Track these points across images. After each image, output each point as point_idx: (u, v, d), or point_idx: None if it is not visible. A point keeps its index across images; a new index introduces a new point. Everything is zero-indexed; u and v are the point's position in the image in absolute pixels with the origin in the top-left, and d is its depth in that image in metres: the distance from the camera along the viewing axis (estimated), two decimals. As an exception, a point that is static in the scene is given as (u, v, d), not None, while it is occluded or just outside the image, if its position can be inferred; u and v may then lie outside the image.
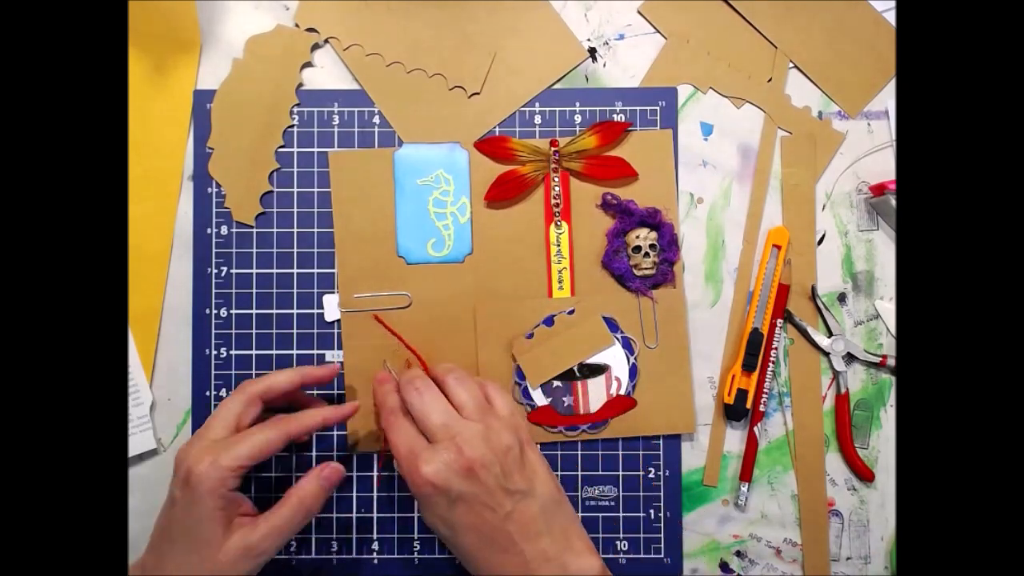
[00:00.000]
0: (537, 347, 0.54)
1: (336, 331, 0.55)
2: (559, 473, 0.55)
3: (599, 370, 0.55)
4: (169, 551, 0.44)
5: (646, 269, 0.54)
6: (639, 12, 0.57)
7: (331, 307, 0.55)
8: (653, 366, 0.55)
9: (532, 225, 0.55)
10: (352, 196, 0.55)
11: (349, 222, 0.55)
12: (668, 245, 0.54)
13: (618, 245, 0.55)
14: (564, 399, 0.54)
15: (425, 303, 0.55)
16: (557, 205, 0.55)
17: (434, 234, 0.55)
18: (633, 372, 0.55)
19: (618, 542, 0.55)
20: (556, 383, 0.54)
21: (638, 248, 0.54)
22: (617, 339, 0.55)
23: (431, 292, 0.55)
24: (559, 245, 0.55)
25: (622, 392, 0.55)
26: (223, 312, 0.55)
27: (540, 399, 0.54)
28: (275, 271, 0.55)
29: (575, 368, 0.55)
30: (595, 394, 0.55)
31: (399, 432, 0.47)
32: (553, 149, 0.55)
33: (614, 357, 0.55)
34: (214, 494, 0.43)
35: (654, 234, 0.54)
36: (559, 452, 0.55)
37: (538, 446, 0.51)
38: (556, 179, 0.55)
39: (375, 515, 0.55)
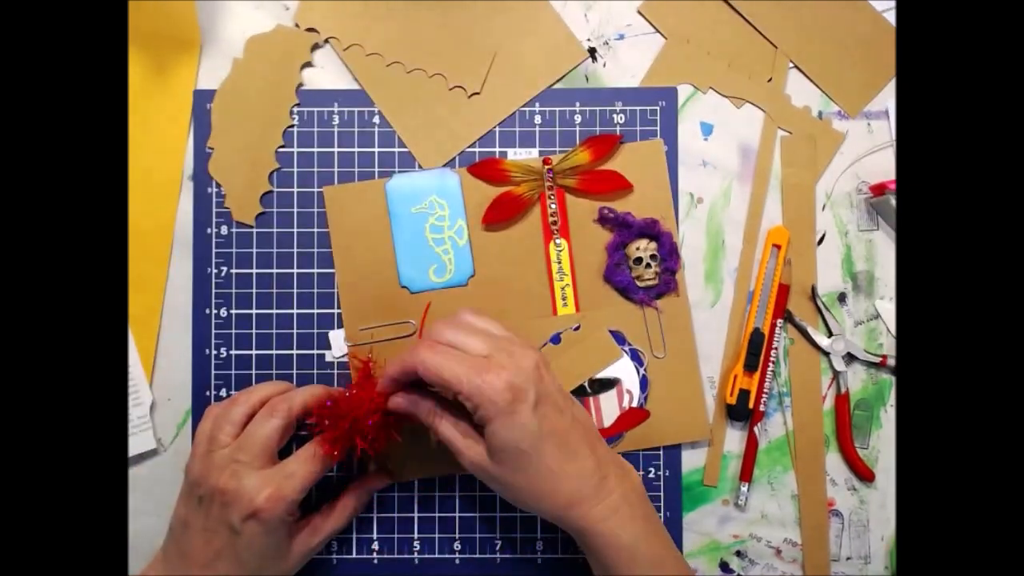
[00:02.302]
0: (546, 366, 0.54)
1: (336, 327, 0.55)
2: (559, 473, 0.55)
3: (610, 384, 0.55)
4: (230, 568, 0.46)
5: (648, 280, 0.54)
6: (639, 12, 0.57)
7: (337, 343, 0.55)
8: (663, 376, 0.55)
9: (531, 244, 0.55)
10: (349, 230, 0.55)
11: (349, 256, 0.55)
12: (668, 254, 0.54)
13: (619, 258, 0.55)
14: (578, 417, 0.55)
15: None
16: (555, 223, 0.55)
17: (434, 260, 0.55)
18: (644, 383, 0.55)
19: (618, 542, 0.55)
20: None
21: (639, 259, 0.54)
22: (625, 352, 0.55)
23: (436, 318, 0.54)
24: (560, 262, 0.55)
25: (634, 404, 0.54)
26: (223, 312, 0.55)
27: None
28: (275, 271, 0.55)
29: (586, 384, 0.55)
30: (608, 409, 0.54)
31: (448, 358, 0.44)
32: (546, 167, 0.55)
33: (624, 370, 0.55)
34: (285, 524, 0.46)
35: (654, 244, 0.54)
36: (559, 452, 0.55)
37: None
38: (552, 197, 0.55)
39: (375, 515, 0.55)
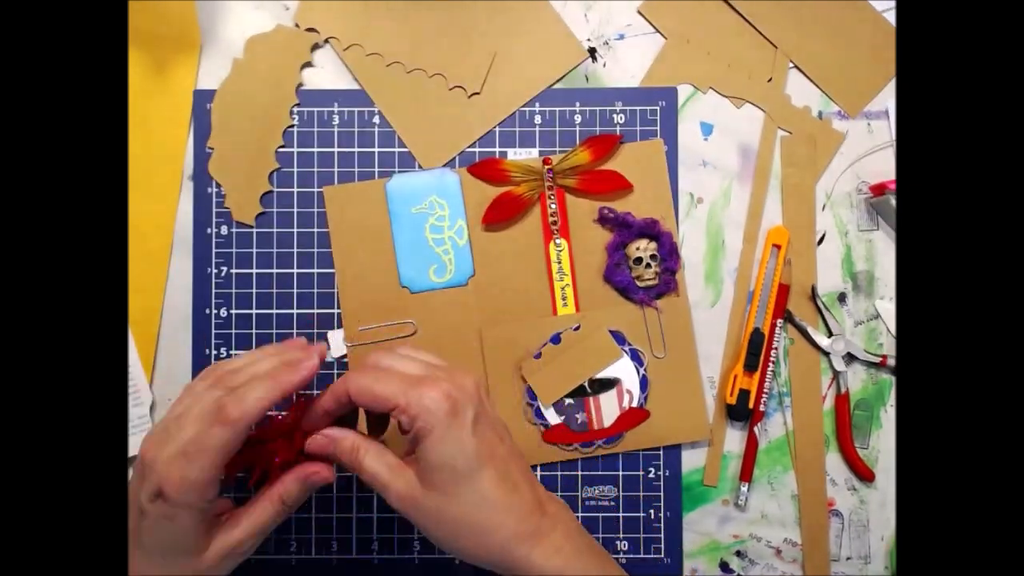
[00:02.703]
0: (546, 366, 0.54)
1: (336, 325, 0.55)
2: (559, 473, 0.55)
3: (610, 384, 0.55)
4: (143, 561, 0.40)
5: (648, 280, 0.54)
6: (639, 12, 0.57)
7: (336, 343, 0.55)
8: (663, 376, 0.55)
9: (531, 244, 0.55)
10: (349, 230, 0.55)
11: (349, 257, 0.55)
12: (668, 254, 0.54)
13: (619, 258, 0.55)
14: (577, 416, 0.54)
15: (431, 329, 0.54)
16: (555, 223, 0.55)
17: (434, 260, 0.55)
18: (644, 383, 0.55)
19: (618, 542, 0.55)
20: (568, 401, 0.54)
21: (639, 259, 0.54)
22: (625, 351, 0.55)
23: (436, 318, 0.54)
24: (560, 262, 0.55)
25: (634, 404, 0.54)
26: (223, 312, 0.55)
27: (553, 418, 0.54)
28: (275, 271, 0.55)
29: (586, 384, 0.55)
30: (608, 408, 0.54)
31: (381, 378, 0.41)
32: (546, 167, 0.55)
33: (624, 370, 0.55)
34: (193, 508, 0.39)
35: (654, 244, 0.54)
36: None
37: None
38: (552, 197, 0.55)
39: (375, 515, 0.55)
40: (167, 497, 0.38)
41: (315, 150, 0.55)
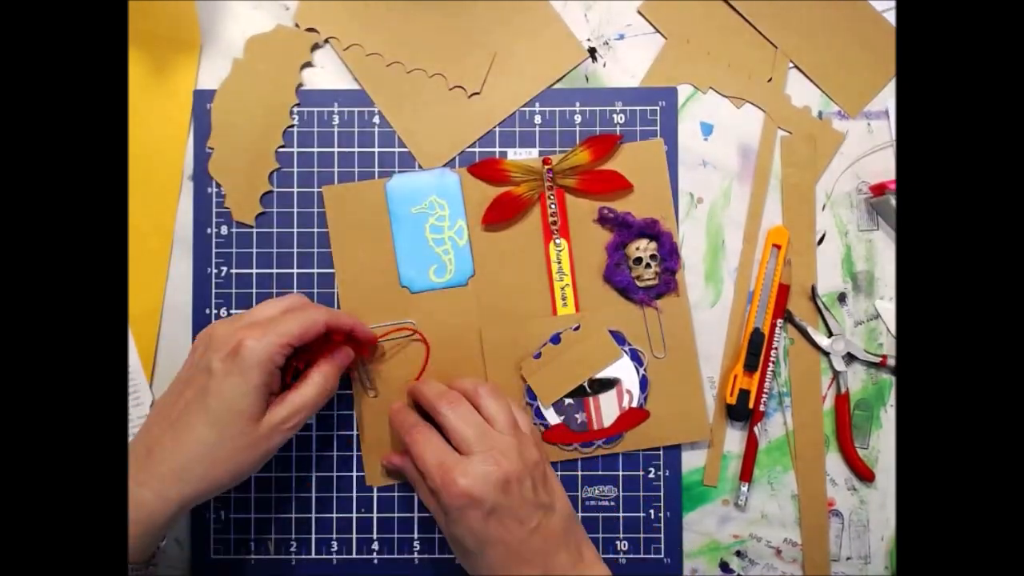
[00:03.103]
0: (546, 366, 0.54)
1: (336, 331, 0.55)
2: (559, 473, 0.55)
3: (609, 384, 0.55)
4: (201, 424, 0.43)
5: (648, 280, 0.54)
6: (639, 12, 0.57)
7: None
8: (663, 376, 0.55)
9: (531, 244, 0.55)
10: (349, 230, 0.55)
11: (349, 256, 0.55)
12: (668, 254, 0.54)
13: (619, 258, 0.55)
14: (577, 416, 0.54)
15: (431, 329, 0.54)
16: (555, 223, 0.55)
17: (434, 260, 0.55)
18: (644, 383, 0.55)
19: (618, 542, 0.55)
20: (568, 401, 0.54)
21: (639, 259, 0.54)
22: (625, 352, 0.55)
23: (436, 318, 0.54)
24: (560, 262, 0.55)
25: (634, 404, 0.54)
26: (223, 312, 0.55)
27: (553, 418, 0.54)
28: (275, 271, 0.55)
29: (585, 384, 0.55)
30: (607, 408, 0.54)
31: (427, 445, 0.47)
32: (546, 167, 0.55)
33: (623, 370, 0.55)
34: (262, 367, 0.44)
35: (654, 244, 0.54)
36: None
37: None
38: (552, 197, 0.55)
39: (375, 515, 0.55)
40: (241, 354, 0.43)
41: (315, 150, 0.55)
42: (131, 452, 0.44)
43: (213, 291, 0.55)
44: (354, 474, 0.55)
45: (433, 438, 0.48)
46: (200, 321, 0.55)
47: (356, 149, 0.56)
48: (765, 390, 0.55)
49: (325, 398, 0.48)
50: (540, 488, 0.47)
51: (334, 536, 0.55)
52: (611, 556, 0.55)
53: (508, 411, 0.49)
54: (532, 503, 0.46)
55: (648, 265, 0.54)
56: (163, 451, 0.43)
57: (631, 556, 0.55)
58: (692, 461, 0.56)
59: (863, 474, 0.55)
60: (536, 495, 0.46)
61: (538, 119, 0.56)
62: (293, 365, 0.48)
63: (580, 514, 0.55)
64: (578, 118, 0.56)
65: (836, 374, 0.55)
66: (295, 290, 0.55)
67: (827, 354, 0.56)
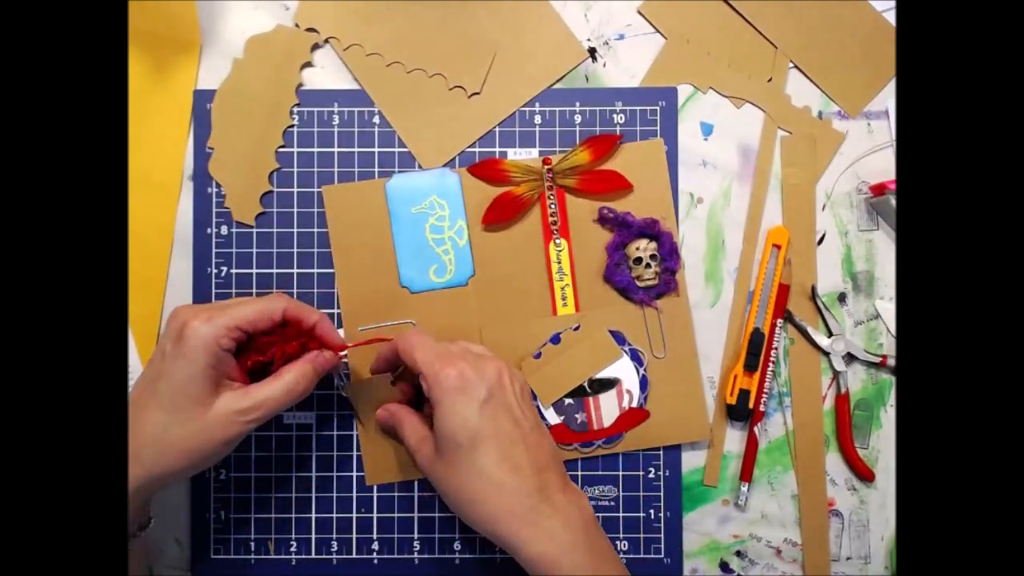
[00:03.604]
0: (546, 366, 0.54)
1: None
2: (559, 473, 0.55)
3: (609, 384, 0.55)
4: (153, 407, 0.44)
5: (648, 280, 0.54)
6: (639, 12, 0.57)
7: None
8: (663, 376, 0.55)
9: (531, 244, 0.55)
10: (349, 230, 0.55)
11: (349, 256, 0.55)
12: (668, 254, 0.54)
13: (618, 258, 0.55)
14: (577, 416, 0.54)
15: (431, 329, 0.54)
16: (555, 223, 0.55)
17: (434, 260, 0.55)
18: (644, 383, 0.55)
19: (618, 542, 0.55)
20: (568, 400, 0.54)
21: (639, 259, 0.54)
22: (625, 352, 0.55)
23: (436, 318, 0.54)
24: (560, 262, 0.55)
25: (634, 404, 0.54)
26: (223, 312, 0.55)
27: (553, 418, 0.54)
28: (275, 271, 0.55)
29: (585, 384, 0.55)
30: (607, 409, 0.54)
31: (422, 346, 0.46)
32: (546, 167, 0.55)
33: (623, 370, 0.55)
34: (207, 350, 0.43)
35: (654, 244, 0.54)
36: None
37: None
38: (552, 197, 0.55)
39: (375, 515, 0.55)
40: (185, 336, 0.43)
41: (315, 150, 0.55)
42: None
43: (213, 291, 0.55)
44: (354, 474, 0.55)
45: (427, 342, 0.47)
46: (200, 321, 0.55)
47: (356, 149, 0.56)
48: (765, 390, 0.55)
49: (293, 399, 0.46)
50: (526, 402, 0.47)
51: (334, 536, 0.55)
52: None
53: (481, 347, 0.51)
54: (521, 407, 0.45)
55: (648, 265, 0.54)
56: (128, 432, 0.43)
57: (631, 556, 0.55)
58: (692, 461, 0.56)
59: (863, 474, 0.55)
60: (524, 403, 0.46)
61: (538, 119, 0.56)
62: (252, 357, 0.46)
63: (580, 514, 0.55)
64: (578, 118, 0.56)
65: (836, 374, 0.55)
66: (295, 290, 0.55)
67: (827, 354, 0.56)
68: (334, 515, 0.55)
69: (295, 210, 0.55)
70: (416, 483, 0.55)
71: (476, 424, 0.43)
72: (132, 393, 0.45)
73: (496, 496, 0.43)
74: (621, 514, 0.55)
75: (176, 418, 0.43)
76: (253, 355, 0.47)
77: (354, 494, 0.55)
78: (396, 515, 0.55)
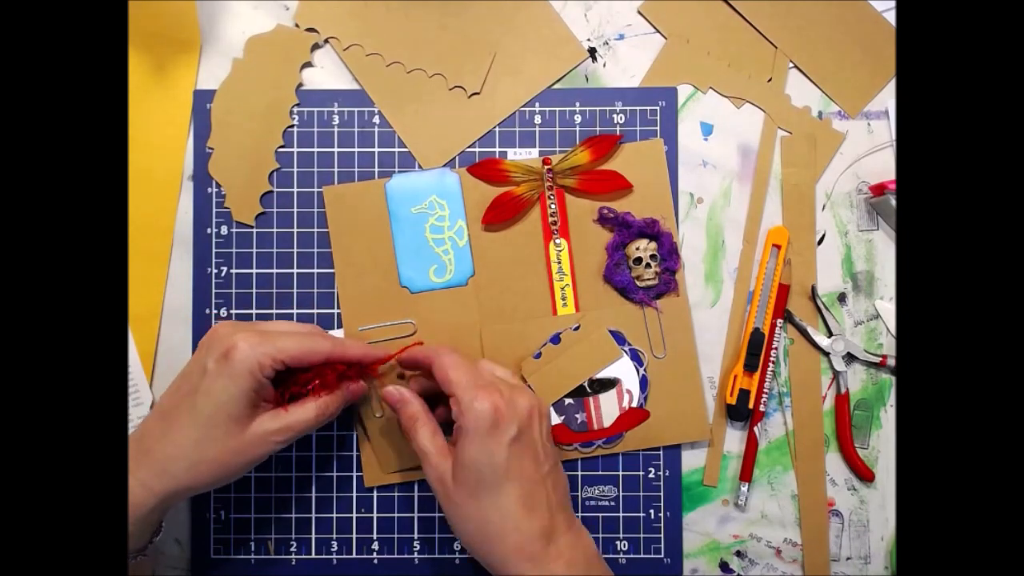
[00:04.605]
0: (546, 366, 0.54)
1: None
2: (559, 473, 0.55)
3: (609, 384, 0.55)
4: (188, 421, 0.44)
5: (648, 280, 0.54)
6: (639, 12, 0.57)
7: None
8: (663, 376, 0.55)
9: (531, 244, 0.55)
10: (349, 230, 0.55)
11: (349, 256, 0.55)
12: (668, 254, 0.54)
13: (618, 258, 0.55)
14: (577, 416, 0.54)
15: (431, 329, 0.54)
16: (555, 223, 0.55)
17: (434, 260, 0.55)
18: (644, 383, 0.55)
19: (618, 542, 0.55)
20: (568, 400, 0.54)
21: (639, 259, 0.54)
22: (625, 351, 0.55)
23: (436, 318, 0.54)
24: (560, 262, 0.55)
25: (634, 404, 0.54)
26: (223, 312, 0.55)
27: (553, 418, 0.54)
28: (275, 271, 0.55)
29: (585, 384, 0.55)
30: (608, 408, 0.54)
31: (457, 366, 0.46)
32: (546, 167, 0.55)
33: (623, 370, 0.55)
34: (252, 375, 0.44)
35: (654, 244, 0.54)
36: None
37: None
38: (552, 197, 0.55)
39: (375, 515, 0.55)
40: (232, 358, 0.44)
41: (315, 150, 0.55)
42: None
43: (213, 291, 0.55)
44: (354, 474, 0.55)
45: (464, 362, 0.47)
46: (200, 321, 0.55)
47: (356, 149, 0.56)
48: (765, 390, 0.55)
49: (323, 421, 0.48)
50: (550, 441, 0.47)
51: (334, 536, 0.55)
52: (611, 556, 0.55)
53: (507, 371, 0.51)
54: (545, 448, 0.46)
55: (648, 265, 0.54)
56: (152, 443, 0.44)
57: (631, 556, 0.55)
58: (692, 461, 0.56)
59: (863, 474, 0.55)
60: (549, 442, 0.46)
61: (538, 119, 0.56)
62: (292, 390, 0.47)
63: (580, 514, 0.55)
64: (578, 118, 0.56)
65: (836, 374, 0.55)
66: (295, 290, 0.55)
67: (827, 354, 0.56)
68: (334, 515, 0.55)
69: (295, 210, 0.55)
70: (416, 483, 0.55)
71: (503, 463, 0.43)
72: (163, 403, 0.46)
73: (511, 536, 0.43)
74: (621, 514, 0.55)
75: (212, 434, 0.44)
76: (293, 387, 0.47)
77: (354, 494, 0.55)
78: (396, 515, 0.55)
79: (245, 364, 0.44)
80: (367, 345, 0.50)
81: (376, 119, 0.56)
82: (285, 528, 0.55)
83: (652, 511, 0.55)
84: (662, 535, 0.55)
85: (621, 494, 0.55)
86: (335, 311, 0.55)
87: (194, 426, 0.44)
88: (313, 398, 0.47)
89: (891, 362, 0.55)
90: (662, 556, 0.55)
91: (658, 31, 0.57)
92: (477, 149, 0.56)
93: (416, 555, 0.55)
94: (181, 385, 0.46)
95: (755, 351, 0.54)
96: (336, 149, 0.55)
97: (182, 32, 0.55)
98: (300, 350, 0.46)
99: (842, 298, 0.56)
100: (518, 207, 0.55)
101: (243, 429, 0.45)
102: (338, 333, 0.55)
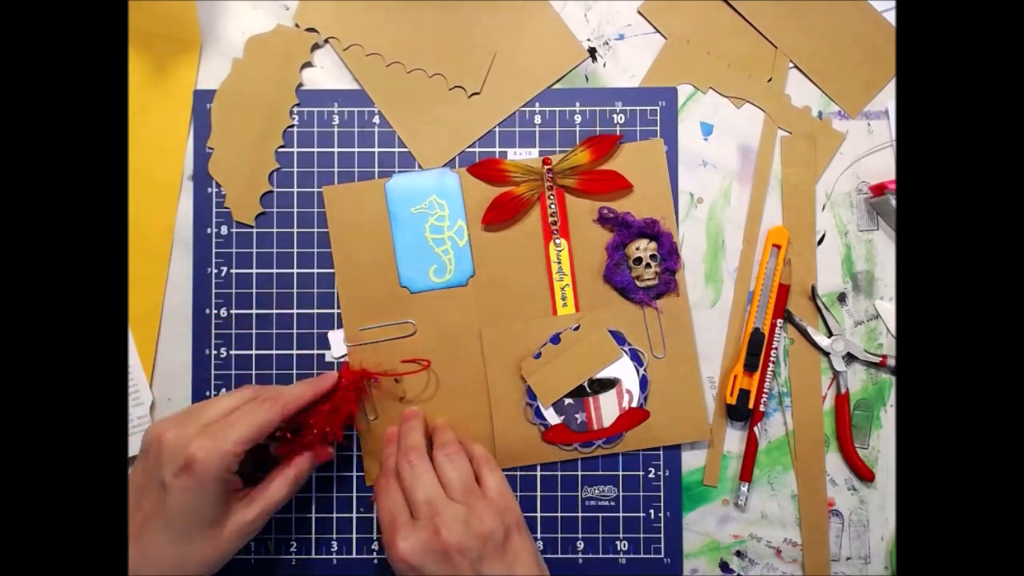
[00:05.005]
0: (546, 366, 0.54)
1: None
2: (559, 473, 0.55)
3: (609, 384, 0.55)
4: (164, 540, 0.43)
5: (648, 280, 0.54)
6: (639, 12, 0.57)
7: (337, 343, 0.55)
8: (663, 376, 0.55)
9: (531, 244, 0.55)
10: (349, 230, 0.55)
11: (349, 256, 0.55)
12: (668, 254, 0.54)
13: (618, 258, 0.55)
14: (577, 416, 0.54)
15: (431, 329, 0.54)
16: (555, 223, 0.55)
17: (434, 260, 0.55)
18: (643, 383, 0.55)
19: (618, 542, 0.55)
20: (568, 400, 0.54)
21: (639, 259, 0.54)
22: (625, 351, 0.55)
23: (436, 318, 0.54)
24: (560, 262, 0.55)
25: (634, 404, 0.54)
26: (223, 312, 0.55)
27: (553, 418, 0.54)
28: (275, 271, 0.55)
29: (585, 384, 0.55)
30: (607, 408, 0.54)
31: (386, 498, 0.47)
32: (546, 167, 0.55)
33: (623, 370, 0.55)
34: (219, 479, 0.43)
35: (654, 244, 0.54)
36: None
37: (527, 529, 0.49)
38: (552, 197, 0.55)
39: (375, 515, 0.55)
40: (194, 470, 0.42)
41: (315, 150, 0.55)
42: None
43: (213, 291, 0.55)
44: (354, 474, 0.55)
45: (395, 491, 0.48)
46: (200, 321, 0.55)
47: (356, 149, 0.56)
48: (765, 390, 0.55)
49: (295, 491, 0.48)
50: (494, 560, 0.44)
51: (334, 536, 0.55)
52: (611, 556, 0.55)
53: (466, 474, 0.48)
54: (475, 561, 0.44)
55: (648, 265, 0.54)
56: (132, 570, 0.43)
57: (631, 556, 0.55)
58: (692, 461, 0.56)
59: (863, 474, 0.55)
60: (484, 567, 0.44)
61: (538, 119, 0.56)
62: (282, 452, 0.48)
63: (580, 514, 0.55)
64: (578, 118, 0.56)
65: (836, 374, 0.55)
66: (295, 290, 0.55)
67: (827, 354, 0.56)
68: (334, 515, 0.55)
69: (295, 210, 0.55)
70: (416, 483, 0.55)
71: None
72: (133, 525, 0.44)
73: None
74: (621, 514, 0.55)
75: (193, 546, 0.44)
76: (278, 433, 0.48)
77: (354, 494, 0.55)
78: (396, 515, 0.55)
79: (210, 473, 0.43)
80: (312, 380, 0.50)
81: (376, 119, 0.56)
82: (285, 528, 0.55)
83: (652, 511, 0.55)
84: (662, 535, 0.55)
85: (621, 494, 0.55)
86: (335, 311, 0.55)
87: (172, 543, 0.43)
88: (282, 467, 0.48)
89: (891, 362, 0.55)
90: (662, 556, 0.55)
91: (658, 31, 0.57)
92: (477, 149, 0.56)
93: (416, 555, 0.55)
94: (141, 501, 0.44)
95: (755, 351, 0.54)
96: (336, 149, 0.55)
97: (182, 32, 0.55)
98: (253, 430, 0.44)
99: (842, 298, 0.56)
100: (518, 207, 0.55)
101: (222, 529, 0.44)
102: (338, 333, 0.55)
